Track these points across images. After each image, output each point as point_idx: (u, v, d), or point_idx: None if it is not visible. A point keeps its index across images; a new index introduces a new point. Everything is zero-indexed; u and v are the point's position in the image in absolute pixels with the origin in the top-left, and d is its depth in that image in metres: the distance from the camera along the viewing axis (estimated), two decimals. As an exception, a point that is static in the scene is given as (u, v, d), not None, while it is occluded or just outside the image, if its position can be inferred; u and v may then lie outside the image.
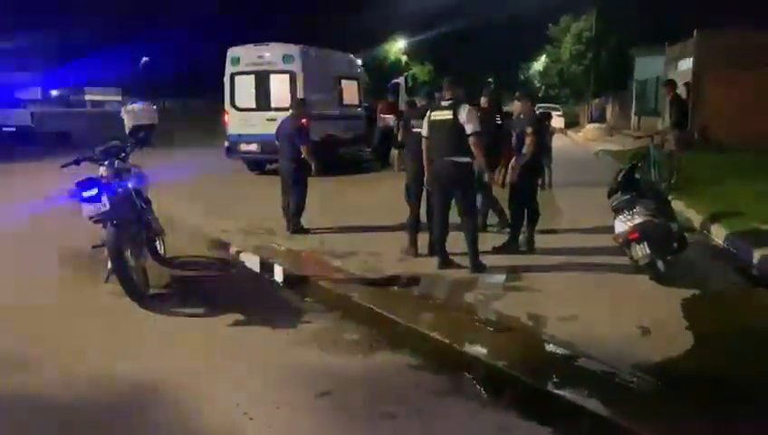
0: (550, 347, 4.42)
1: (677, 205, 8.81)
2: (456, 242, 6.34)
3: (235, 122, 14.45)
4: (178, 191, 11.11)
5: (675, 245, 6.03)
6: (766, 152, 14.29)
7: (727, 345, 4.49)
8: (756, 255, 6.41)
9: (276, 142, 8.38)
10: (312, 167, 8.02)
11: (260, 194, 11.44)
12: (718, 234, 7.60)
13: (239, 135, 14.33)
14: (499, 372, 3.97)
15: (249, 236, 7.92)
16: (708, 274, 6.25)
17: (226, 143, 14.63)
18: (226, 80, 14.53)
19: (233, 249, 7.40)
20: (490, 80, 51.22)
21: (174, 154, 18.57)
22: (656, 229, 5.81)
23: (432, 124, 6.20)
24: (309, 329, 4.76)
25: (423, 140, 6.28)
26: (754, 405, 3.54)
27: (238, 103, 14.46)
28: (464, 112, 5.99)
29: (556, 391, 3.73)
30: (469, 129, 5.94)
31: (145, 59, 59.43)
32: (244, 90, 14.32)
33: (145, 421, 3.41)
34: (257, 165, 14.89)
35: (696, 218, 8.46)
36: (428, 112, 6.32)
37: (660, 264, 5.76)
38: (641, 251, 5.79)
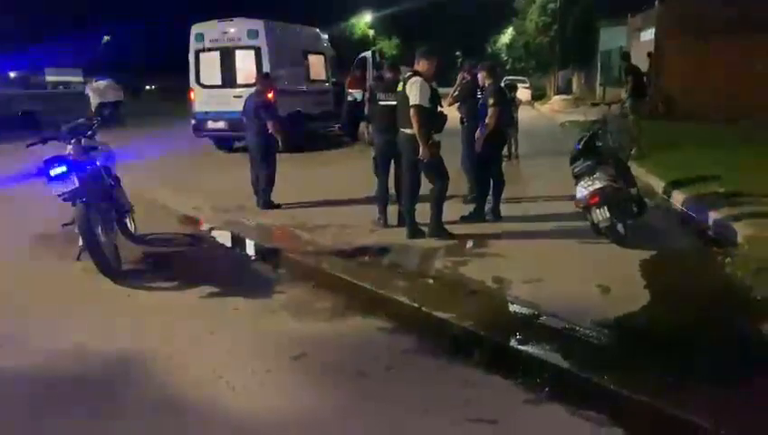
0: (514, 307, 4.61)
1: (640, 171, 9.09)
2: (426, 212, 6.48)
3: (201, 100, 14.34)
4: (148, 169, 11.07)
5: (634, 208, 6.27)
6: (726, 120, 14.71)
7: (682, 301, 4.72)
8: (712, 217, 6.69)
9: (243, 118, 8.39)
10: (279, 142, 8.07)
11: (229, 171, 11.44)
12: (677, 198, 7.88)
13: (206, 112, 14.24)
14: (465, 332, 4.14)
15: (220, 212, 7.97)
16: (666, 236, 6.51)
17: (193, 121, 14.53)
18: (191, 57, 14.39)
19: (203, 225, 7.45)
20: (458, 53, 51.20)
21: (143, 133, 18.38)
22: (615, 194, 6.02)
23: (398, 98, 6.32)
24: (282, 298, 4.87)
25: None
26: (706, 355, 3.76)
27: (204, 80, 14.33)
28: (408, 85, 6.10)
29: (519, 347, 3.93)
30: (410, 100, 6.04)
31: (106, 38, 58.04)
32: (210, 67, 14.18)
33: (124, 390, 3.49)
34: (225, 142, 14.83)
35: (657, 184, 8.74)
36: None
37: (620, 227, 5.99)
38: (602, 215, 6.00)
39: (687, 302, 4.68)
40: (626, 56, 12.63)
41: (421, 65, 6.22)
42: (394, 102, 6.43)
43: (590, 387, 3.41)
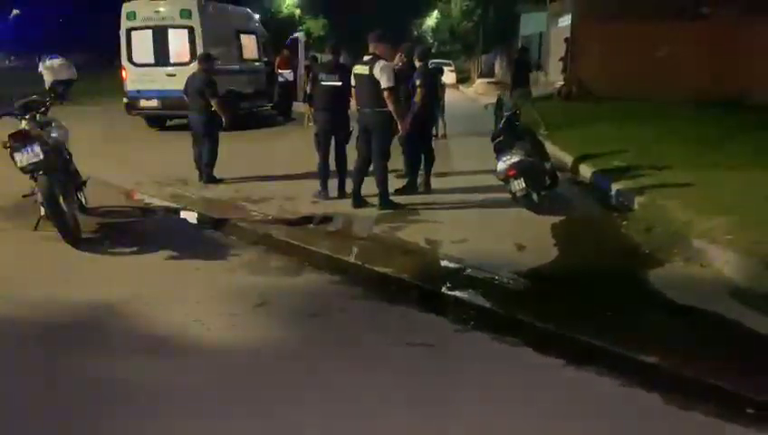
0: (443, 262, 5.36)
1: (553, 148, 10.02)
2: (367, 185, 7.14)
3: (133, 78, 14.35)
4: (84, 147, 11.10)
5: (547, 180, 7.11)
6: (635, 100, 16.00)
7: (584, 255, 5.61)
8: (613, 187, 7.64)
9: (185, 97, 8.72)
10: (223, 120, 8.48)
11: (166, 148, 11.69)
12: (585, 172, 8.84)
13: (138, 91, 14.28)
14: (403, 281, 4.85)
15: (164, 187, 8.32)
16: (574, 204, 7.43)
17: (125, 99, 14.53)
18: (122, 35, 14.34)
19: (151, 199, 7.80)
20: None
21: (69, 111, 18.00)
22: (530, 167, 6.84)
23: (355, 78, 6.89)
24: (238, 259, 5.39)
25: (353, 90, 6.99)
26: (600, 293, 4.61)
27: (136, 59, 14.33)
28: (377, 68, 6.68)
29: (448, 292, 4.67)
30: (383, 83, 6.63)
31: (15, 12, 55.05)
32: (142, 45, 14.20)
33: (101, 335, 3.93)
34: (157, 121, 14.92)
35: (567, 159, 9.69)
36: (353, 66, 7.03)
37: (535, 196, 6.81)
38: (518, 185, 6.81)
39: (588, 256, 5.56)
40: (522, 51, 13.93)
41: (379, 49, 6.84)
42: (337, 83, 7.03)
43: (507, 320, 4.16)
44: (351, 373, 3.41)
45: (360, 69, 6.87)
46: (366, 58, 6.87)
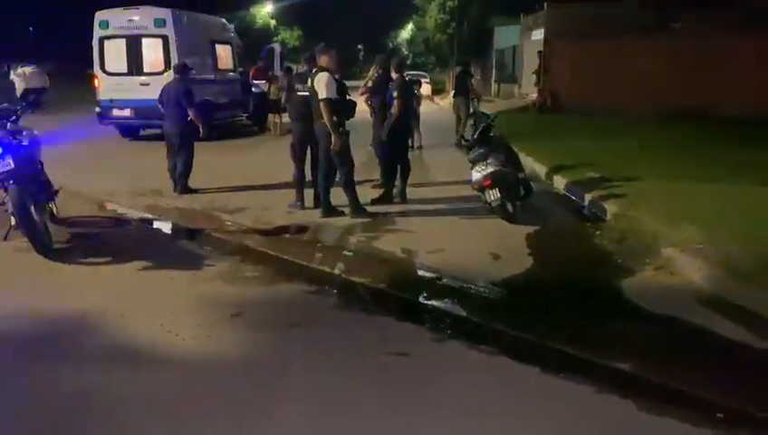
0: (420, 272, 5.37)
1: (527, 159, 10.14)
2: (340, 194, 7.14)
3: (105, 87, 14.23)
4: (56, 156, 10.93)
5: (522, 190, 7.19)
6: (607, 113, 16.27)
7: (558, 265, 5.67)
8: (586, 198, 7.76)
9: (160, 106, 8.66)
10: (201, 129, 8.43)
11: (139, 159, 11.59)
12: (559, 183, 8.96)
13: (111, 100, 14.15)
14: (379, 291, 4.87)
15: (138, 198, 8.24)
16: (548, 214, 7.51)
17: (98, 109, 14.38)
18: (95, 44, 14.24)
19: (124, 209, 7.70)
20: (359, 47, 51.85)
21: (41, 119, 17.72)
22: (505, 177, 6.91)
23: (310, 90, 6.90)
24: (212, 270, 5.35)
25: None
26: (573, 302, 4.67)
27: (108, 68, 14.22)
28: (316, 80, 6.69)
29: (425, 302, 4.68)
30: (320, 94, 6.64)
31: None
32: (115, 54, 14.11)
33: (73, 347, 3.87)
34: (130, 130, 14.78)
35: (542, 171, 9.82)
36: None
37: (509, 206, 6.89)
38: (493, 196, 6.88)
39: (562, 265, 5.62)
40: (465, 63, 14.99)
41: (323, 60, 6.84)
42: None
43: (483, 329, 4.19)
44: (327, 383, 3.40)
45: (310, 82, 6.89)
46: (315, 71, 6.89)
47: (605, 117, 15.89)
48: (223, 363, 3.64)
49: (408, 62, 49.71)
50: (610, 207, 6.99)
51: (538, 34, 24.29)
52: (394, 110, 7.71)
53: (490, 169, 6.93)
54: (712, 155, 10.14)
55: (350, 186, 7.07)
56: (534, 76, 22.00)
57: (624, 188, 7.79)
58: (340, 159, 6.92)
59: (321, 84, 6.61)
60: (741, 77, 16.99)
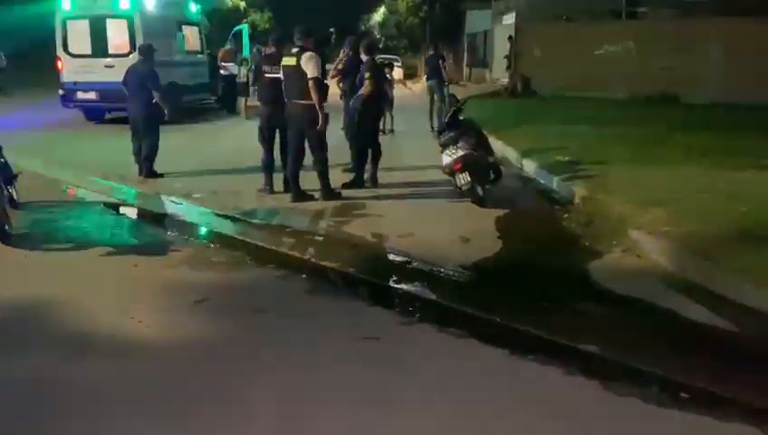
0: (390, 256, 5.34)
1: (498, 143, 10.14)
2: (311, 178, 7.06)
3: (69, 69, 13.85)
4: (18, 141, 10.64)
5: (492, 174, 7.17)
6: (577, 98, 16.37)
7: (528, 248, 5.67)
8: (555, 181, 7.79)
9: (124, 89, 8.44)
10: (166, 112, 8.24)
11: (103, 142, 11.36)
12: (529, 166, 8.98)
13: (75, 83, 13.79)
14: (348, 276, 4.83)
15: (102, 182, 8.04)
16: (518, 197, 7.53)
17: (61, 91, 14.01)
18: (58, 25, 13.82)
19: (88, 193, 7.52)
20: (331, 29, 51.34)
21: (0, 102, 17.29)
22: (475, 161, 6.89)
23: (282, 69, 6.78)
24: (178, 255, 5.24)
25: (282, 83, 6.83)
26: (541, 284, 4.68)
27: (72, 49, 13.83)
28: (304, 59, 6.59)
29: (394, 285, 4.65)
30: (309, 73, 6.55)
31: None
32: (79, 35, 13.72)
33: (32, 334, 3.76)
34: (96, 113, 14.44)
35: (512, 155, 9.83)
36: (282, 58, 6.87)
37: (479, 189, 6.87)
38: (464, 179, 6.85)
39: (531, 248, 5.63)
40: (434, 45, 15.19)
41: (307, 42, 6.74)
42: (281, 75, 6.90)
43: (452, 312, 4.18)
44: (294, 368, 3.35)
45: (287, 60, 6.75)
46: (294, 50, 6.77)
47: (576, 102, 15.98)
48: (185, 351, 3.57)
49: (381, 46, 49.50)
50: (579, 191, 7.02)
51: (509, 19, 24.32)
52: (364, 90, 7.62)
53: (460, 153, 6.90)
54: (680, 140, 10.25)
55: (324, 170, 6.99)
56: (506, 60, 22.04)
57: (593, 171, 7.82)
58: (319, 142, 6.84)
59: (311, 64, 6.53)
60: (710, 62, 17.20)
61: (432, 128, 11.69)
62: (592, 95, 16.64)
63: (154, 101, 8.12)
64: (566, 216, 6.44)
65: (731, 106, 14.26)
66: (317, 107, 6.58)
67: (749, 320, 3.95)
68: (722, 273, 4.43)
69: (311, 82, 6.52)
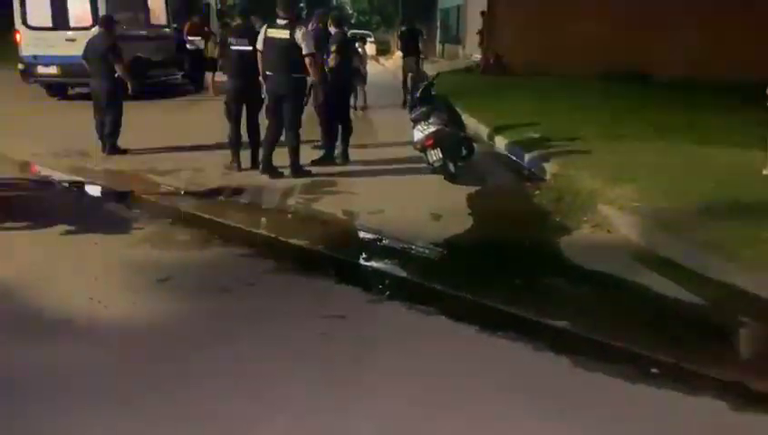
0: (360, 233, 5.25)
1: (470, 119, 10.06)
2: (278, 155, 6.91)
3: (29, 43, 13.30)
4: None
5: (464, 150, 7.10)
6: (550, 74, 16.33)
7: (499, 225, 5.63)
8: (527, 158, 7.75)
9: (85, 63, 8.15)
10: (129, 86, 7.98)
11: (66, 118, 10.97)
12: (500, 143, 8.93)
13: (35, 57, 13.28)
14: (317, 253, 4.72)
15: (63, 159, 7.78)
16: (490, 174, 7.48)
17: (20, 66, 13.50)
18: (16, -6, 13.26)
19: (47, 171, 7.27)
20: (301, 4, 50.50)
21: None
22: (447, 137, 6.81)
23: (267, 41, 6.58)
24: (140, 233, 5.08)
25: (258, 54, 6.66)
26: (515, 266, 4.64)
27: (31, 22, 13.27)
28: (299, 33, 6.47)
29: (364, 263, 4.57)
30: (305, 49, 6.43)
31: None
32: (38, 7, 13.16)
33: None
34: (58, 89, 13.97)
35: (484, 131, 9.76)
36: (264, 29, 6.67)
37: (451, 166, 6.80)
38: (435, 155, 6.77)
39: (502, 225, 5.59)
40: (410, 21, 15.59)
41: (291, 15, 6.68)
42: (248, 47, 6.71)
43: (422, 289, 4.11)
44: (260, 348, 3.25)
45: (276, 33, 6.56)
46: (282, 22, 6.58)
47: (549, 78, 15.93)
48: (147, 331, 3.44)
49: (353, 21, 48.94)
50: (550, 167, 6.99)
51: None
52: (331, 63, 7.45)
53: (432, 129, 6.80)
54: (652, 115, 10.29)
55: (296, 145, 6.86)
56: (478, 37, 21.86)
57: (564, 148, 7.81)
58: (298, 116, 6.78)
59: (308, 38, 6.52)
60: (683, 38, 17.25)
61: (405, 104, 11.56)
62: (565, 71, 16.59)
63: (116, 75, 7.85)
64: (537, 192, 6.41)
65: (703, 83, 14.35)
66: (316, 80, 6.76)
67: (719, 294, 3.95)
68: (691, 247, 4.43)
69: (308, 59, 6.47)
